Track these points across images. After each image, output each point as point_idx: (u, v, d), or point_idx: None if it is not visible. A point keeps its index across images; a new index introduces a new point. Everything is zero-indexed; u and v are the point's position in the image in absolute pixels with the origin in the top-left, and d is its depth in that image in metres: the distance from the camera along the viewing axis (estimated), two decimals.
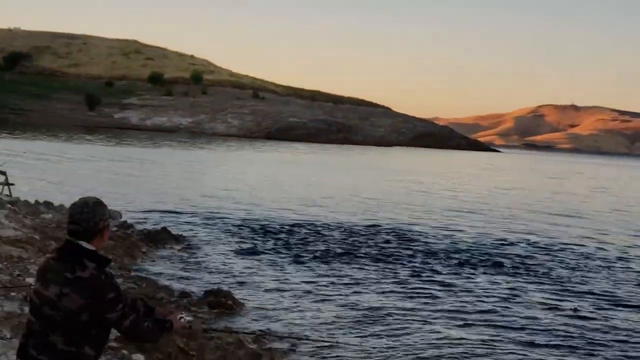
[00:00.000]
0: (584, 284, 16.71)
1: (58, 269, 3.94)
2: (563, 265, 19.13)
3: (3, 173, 23.43)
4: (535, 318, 13.16)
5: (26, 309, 9.07)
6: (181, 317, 4.42)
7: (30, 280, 10.75)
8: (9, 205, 17.61)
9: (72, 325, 3.87)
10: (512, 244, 22.53)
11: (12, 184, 23.38)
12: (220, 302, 12.09)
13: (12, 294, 9.61)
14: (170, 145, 79.15)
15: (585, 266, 19.26)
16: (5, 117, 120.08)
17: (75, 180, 32.63)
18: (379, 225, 24.65)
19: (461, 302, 14.02)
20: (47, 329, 3.90)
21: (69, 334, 3.88)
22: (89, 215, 3.98)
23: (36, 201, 20.63)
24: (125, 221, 19.88)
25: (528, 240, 23.65)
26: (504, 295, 14.83)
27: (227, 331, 10.29)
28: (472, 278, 16.52)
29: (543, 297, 14.94)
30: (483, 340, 11.38)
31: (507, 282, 16.26)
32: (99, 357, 4.08)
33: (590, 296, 15.42)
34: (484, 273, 17.29)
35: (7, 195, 21.71)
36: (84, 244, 3.97)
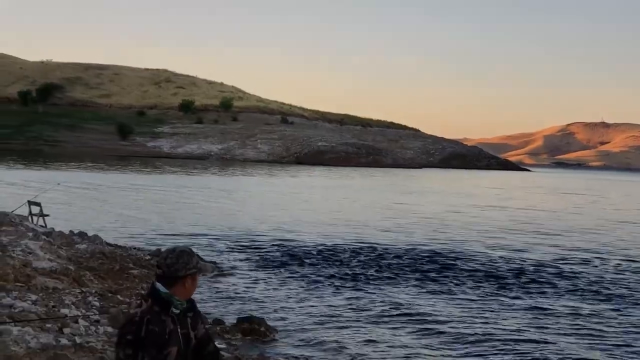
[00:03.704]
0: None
1: None
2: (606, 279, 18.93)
3: (38, 204, 23.75)
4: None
5: (62, 341, 9.19)
6: None
7: (65, 311, 10.88)
8: (44, 237, 17.81)
9: None
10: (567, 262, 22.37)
11: (47, 215, 23.68)
12: (254, 329, 12.11)
13: (48, 325, 9.70)
14: (201, 172, 79.63)
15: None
16: (39, 148, 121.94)
17: (109, 209, 32.94)
18: (417, 247, 24.58)
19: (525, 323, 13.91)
20: None
21: None
22: (171, 261, 4.16)
23: (71, 232, 20.85)
24: (159, 249, 20.03)
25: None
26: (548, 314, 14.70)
27: (261, 358, 10.32)
28: (526, 298, 16.41)
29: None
30: None
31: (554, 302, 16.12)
32: None
33: None
34: (540, 293, 17.17)
35: (42, 226, 21.97)
36: (159, 285, 4.14)
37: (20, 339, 8.86)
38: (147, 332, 4.02)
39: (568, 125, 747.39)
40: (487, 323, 14.02)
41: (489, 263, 21.94)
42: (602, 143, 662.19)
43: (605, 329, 13.93)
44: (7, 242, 15.75)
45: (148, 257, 18.12)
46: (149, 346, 4.03)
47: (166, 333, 4.07)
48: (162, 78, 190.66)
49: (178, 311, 4.13)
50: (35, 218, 23.27)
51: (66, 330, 9.75)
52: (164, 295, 4.11)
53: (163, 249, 20.26)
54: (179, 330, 4.12)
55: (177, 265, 4.14)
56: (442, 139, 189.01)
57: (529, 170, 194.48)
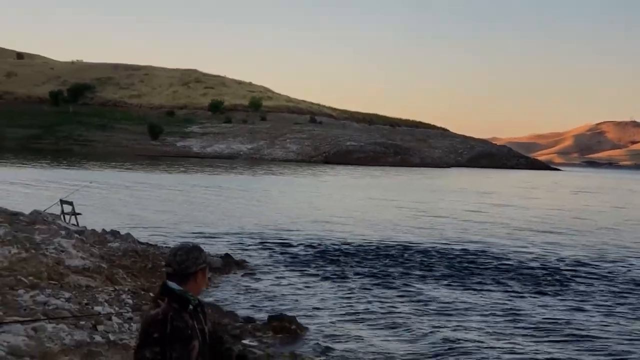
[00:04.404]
0: None
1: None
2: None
3: (70, 203, 24.01)
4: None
5: (96, 338, 9.27)
6: None
7: (99, 308, 10.98)
8: (76, 235, 17.98)
9: None
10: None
11: (79, 214, 23.93)
12: (284, 326, 12.15)
13: (82, 322, 9.79)
14: (230, 171, 79.94)
15: None
16: (70, 147, 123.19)
17: (140, 208, 33.19)
18: (444, 245, 24.54)
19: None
20: None
21: None
22: (181, 259, 4.17)
23: (103, 230, 21.03)
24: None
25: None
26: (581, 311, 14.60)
27: (292, 356, 10.35)
28: (556, 294, 16.31)
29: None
30: None
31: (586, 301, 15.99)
32: None
33: None
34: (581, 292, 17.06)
35: (75, 224, 22.20)
36: (172, 284, 4.15)
37: (55, 336, 8.95)
38: (172, 329, 4.04)
39: (598, 124, 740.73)
40: (519, 318, 13.98)
41: (519, 261, 21.84)
42: (633, 142, 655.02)
43: None
44: (40, 240, 15.93)
45: None
46: (175, 342, 4.05)
47: (189, 328, 4.11)
48: (191, 78, 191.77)
49: (192, 307, 4.17)
50: (67, 217, 23.52)
51: (100, 328, 9.84)
52: (179, 293, 4.14)
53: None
54: (196, 325, 4.16)
55: (188, 262, 4.17)
56: (471, 138, 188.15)
57: (559, 170, 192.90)
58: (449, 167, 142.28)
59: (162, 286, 4.20)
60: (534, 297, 16.54)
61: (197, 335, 4.15)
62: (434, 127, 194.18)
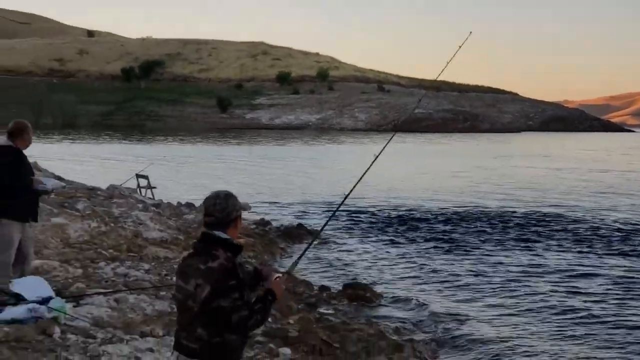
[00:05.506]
0: None
1: (195, 262, 4.16)
2: None
3: (145, 177, 24.50)
4: None
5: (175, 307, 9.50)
6: (277, 277, 4.45)
7: None
8: (153, 208, 18.36)
9: (211, 315, 4.05)
10: None
11: (155, 187, 24.41)
12: (359, 294, 12.24)
13: (162, 293, 10.02)
14: (299, 141, 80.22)
15: None
16: (142, 123, 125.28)
17: (213, 180, 33.63)
18: (518, 210, 24.28)
19: None
20: (192, 321, 4.11)
21: (210, 324, 4.08)
22: (221, 206, 4.21)
23: (178, 203, 21.41)
24: (263, 218, 20.37)
25: None
26: None
27: (368, 323, 10.42)
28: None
29: None
30: None
31: None
32: (245, 345, 4.30)
33: None
34: None
35: (150, 198, 22.65)
36: (219, 233, 4.20)
37: (137, 306, 9.19)
38: (242, 273, 4.17)
39: None
40: (594, 279, 13.79)
41: (590, 225, 21.40)
42: None
43: None
44: (118, 214, 16.32)
45: (253, 227, 18.45)
46: (246, 286, 4.18)
47: (245, 273, 4.24)
48: (258, 51, 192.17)
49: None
50: (143, 190, 24.02)
51: None
52: (231, 241, 4.20)
53: (266, 218, 20.63)
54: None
55: (229, 209, 4.21)
56: (541, 102, 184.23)
57: (633, 132, 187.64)
58: (519, 132, 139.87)
59: (209, 235, 4.21)
60: (606, 259, 16.23)
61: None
62: (503, 91, 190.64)
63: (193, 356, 4.13)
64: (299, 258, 5.01)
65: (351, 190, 6.18)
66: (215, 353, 4.12)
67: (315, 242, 6.34)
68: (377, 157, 6.28)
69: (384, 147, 6.34)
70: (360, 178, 6.02)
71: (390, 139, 7.02)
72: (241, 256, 4.27)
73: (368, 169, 6.07)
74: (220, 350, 4.12)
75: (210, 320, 4.06)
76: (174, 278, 4.93)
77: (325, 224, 6.15)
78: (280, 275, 4.49)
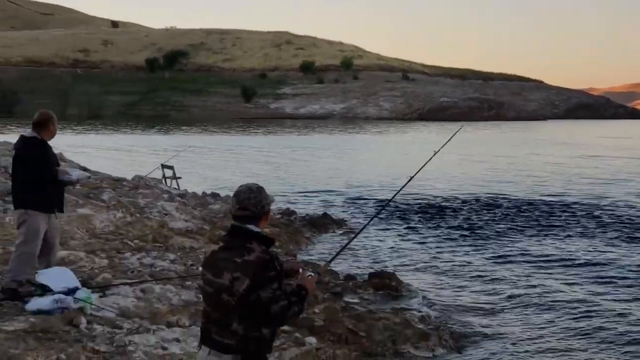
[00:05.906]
0: None
1: (228, 255, 4.10)
2: None
3: (170, 167, 24.54)
4: None
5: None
6: (309, 276, 4.41)
7: None
8: (178, 198, 18.38)
9: (249, 308, 4.00)
10: None
11: (180, 177, 24.45)
12: (385, 283, 12.15)
13: (188, 283, 10.01)
14: (324, 131, 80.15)
15: None
16: (167, 113, 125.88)
17: (238, 170, 33.69)
18: (548, 199, 24.07)
19: None
20: (227, 315, 4.05)
21: (247, 318, 4.03)
22: (256, 200, 4.18)
23: (203, 193, 21.43)
24: (288, 208, 20.35)
25: None
26: None
27: (394, 312, 10.35)
28: None
29: None
30: None
31: None
32: (274, 339, 4.25)
33: None
34: None
35: (176, 188, 22.69)
36: (252, 227, 4.16)
37: (163, 296, 9.19)
38: (279, 265, 4.12)
39: None
40: (619, 270, 13.62)
41: (616, 214, 21.10)
42: None
43: None
44: (144, 204, 16.35)
45: (278, 216, 18.43)
46: (283, 277, 4.16)
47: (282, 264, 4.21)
48: (282, 40, 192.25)
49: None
50: (168, 181, 24.07)
51: None
52: (264, 234, 4.18)
53: (292, 207, 20.59)
54: None
55: (263, 202, 4.19)
56: (567, 89, 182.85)
57: None
58: (545, 119, 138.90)
59: (240, 229, 4.17)
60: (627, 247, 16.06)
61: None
62: (528, 79, 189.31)
63: (228, 351, 4.08)
64: (337, 254, 5.04)
65: (402, 187, 6.13)
66: (251, 348, 4.08)
67: (352, 237, 6.30)
68: (437, 152, 6.30)
69: (445, 144, 6.35)
70: (414, 175, 6.04)
71: (453, 135, 6.96)
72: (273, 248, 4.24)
73: (424, 165, 6.05)
74: (256, 345, 4.09)
75: (248, 313, 4.02)
76: (200, 268, 4.88)
77: (370, 221, 6.09)
78: (313, 274, 4.44)
